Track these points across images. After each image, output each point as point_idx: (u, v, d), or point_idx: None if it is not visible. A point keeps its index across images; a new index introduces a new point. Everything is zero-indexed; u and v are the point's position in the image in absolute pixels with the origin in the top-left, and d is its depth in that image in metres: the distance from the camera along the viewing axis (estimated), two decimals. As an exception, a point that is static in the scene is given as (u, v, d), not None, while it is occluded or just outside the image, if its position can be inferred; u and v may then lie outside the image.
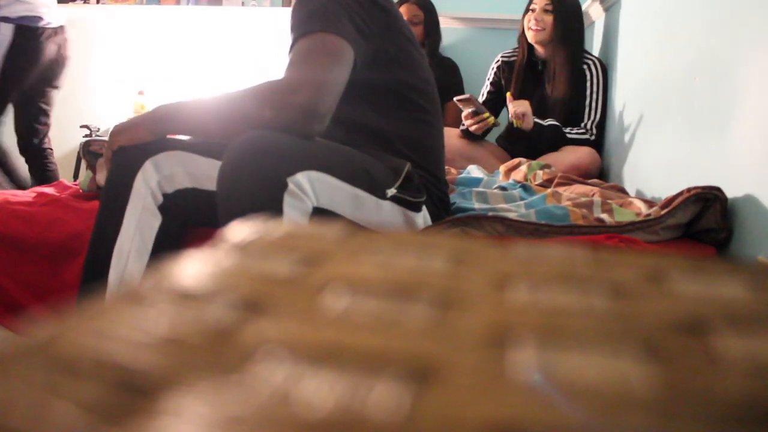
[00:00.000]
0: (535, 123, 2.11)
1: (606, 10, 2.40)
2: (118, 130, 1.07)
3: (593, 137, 2.16)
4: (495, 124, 2.17)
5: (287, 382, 0.17)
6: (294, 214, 0.91)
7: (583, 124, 2.20)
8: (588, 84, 2.19)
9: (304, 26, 1.04)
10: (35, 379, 0.17)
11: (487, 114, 2.14)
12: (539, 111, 2.22)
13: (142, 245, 1.04)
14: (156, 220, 1.05)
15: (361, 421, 0.15)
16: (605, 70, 2.21)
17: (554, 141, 2.13)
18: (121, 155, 1.05)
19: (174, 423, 0.15)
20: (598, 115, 2.19)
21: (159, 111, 1.05)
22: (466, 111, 2.14)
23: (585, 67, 2.21)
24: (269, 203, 0.88)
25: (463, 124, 2.24)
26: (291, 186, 0.90)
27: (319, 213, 0.97)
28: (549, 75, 2.25)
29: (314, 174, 0.94)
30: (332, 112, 1.02)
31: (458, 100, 2.13)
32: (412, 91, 1.20)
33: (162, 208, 1.06)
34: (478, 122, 2.14)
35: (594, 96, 2.19)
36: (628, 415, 0.16)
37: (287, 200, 0.90)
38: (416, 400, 0.16)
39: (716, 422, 0.16)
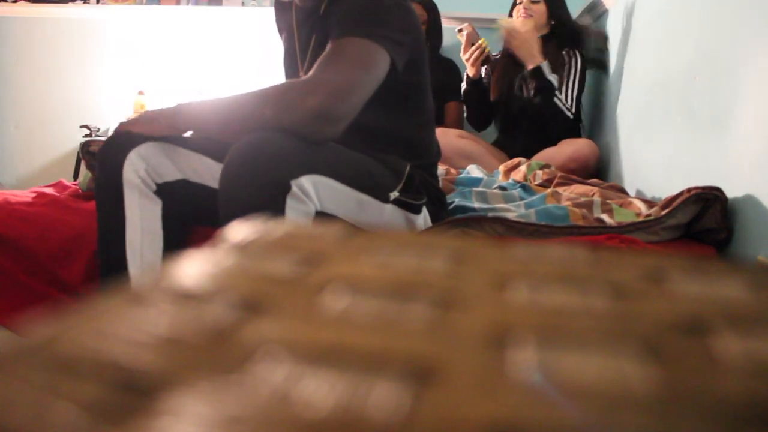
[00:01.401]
0: (539, 68, 2.11)
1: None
2: (143, 119, 1.06)
3: (572, 116, 2.19)
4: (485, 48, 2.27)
5: (287, 382, 0.17)
6: (296, 216, 0.90)
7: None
8: (566, 68, 2.21)
9: (347, 27, 1.04)
10: (35, 379, 0.17)
11: (481, 40, 2.25)
12: (523, 99, 2.25)
13: (152, 232, 1.04)
14: (156, 205, 1.05)
15: (361, 421, 0.15)
16: (584, 58, 2.24)
17: (539, 92, 2.14)
18: (104, 151, 1.05)
19: (174, 423, 0.15)
20: (573, 95, 2.20)
21: (180, 107, 1.05)
22: (462, 35, 2.25)
23: (565, 54, 2.23)
24: (272, 205, 0.88)
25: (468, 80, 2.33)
26: (294, 189, 0.89)
27: (322, 216, 0.96)
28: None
29: (318, 178, 0.94)
30: (349, 119, 1.00)
31: (458, 30, 2.25)
32: (420, 92, 1.20)
33: (158, 194, 1.05)
34: (474, 54, 2.25)
35: (572, 78, 2.20)
36: (628, 415, 0.16)
37: (290, 203, 0.89)
38: (416, 400, 0.16)
39: (716, 422, 0.16)
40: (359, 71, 1.01)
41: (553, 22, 2.27)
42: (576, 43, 2.31)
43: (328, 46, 1.04)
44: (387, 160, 1.11)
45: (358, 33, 1.02)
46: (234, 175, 0.89)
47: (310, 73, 1.01)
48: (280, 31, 1.32)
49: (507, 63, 2.34)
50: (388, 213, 1.06)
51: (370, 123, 1.15)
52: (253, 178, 0.88)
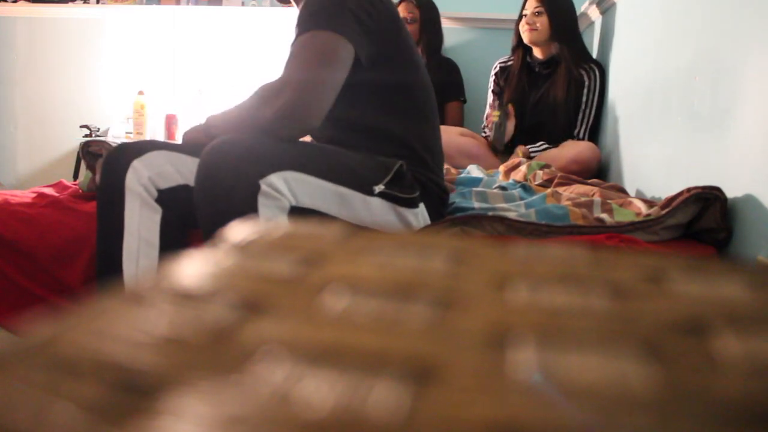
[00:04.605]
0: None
1: (603, 12, 2.41)
2: (195, 131, 1.18)
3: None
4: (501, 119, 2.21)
5: (287, 382, 0.17)
6: (270, 213, 0.92)
7: (575, 132, 2.24)
8: (585, 91, 2.22)
9: (304, 24, 1.05)
10: (35, 379, 0.17)
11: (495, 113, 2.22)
12: (537, 111, 2.25)
13: (149, 241, 1.05)
14: (156, 213, 1.06)
15: (361, 421, 0.15)
16: (603, 75, 2.23)
17: None
18: (108, 158, 1.06)
19: (174, 423, 0.15)
20: (589, 123, 2.25)
21: (208, 119, 1.14)
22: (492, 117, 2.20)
23: (584, 72, 2.22)
24: (244, 205, 0.90)
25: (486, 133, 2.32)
26: (264, 188, 0.91)
27: (304, 213, 0.97)
28: (556, 75, 2.27)
29: (289, 174, 0.95)
30: (323, 113, 1.02)
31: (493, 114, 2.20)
32: (411, 90, 1.20)
33: (159, 201, 1.06)
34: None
35: (589, 103, 2.23)
36: (628, 415, 0.16)
37: (262, 201, 0.91)
38: (416, 400, 0.16)
39: (716, 422, 0.16)
40: (323, 66, 1.02)
41: (556, 33, 2.25)
42: (590, 56, 2.31)
43: (292, 44, 1.05)
44: (375, 155, 1.11)
45: (317, 26, 1.03)
46: (205, 180, 0.92)
47: (282, 71, 1.04)
48: None
49: (521, 67, 2.35)
50: (376, 207, 1.06)
51: (356, 119, 1.16)
52: (223, 181, 0.90)
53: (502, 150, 2.21)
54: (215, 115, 1.12)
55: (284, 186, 0.94)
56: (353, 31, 1.05)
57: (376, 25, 1.10)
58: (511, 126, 2.18)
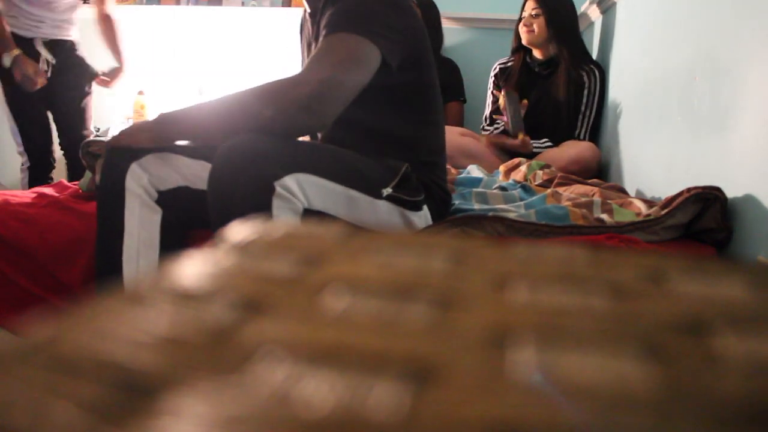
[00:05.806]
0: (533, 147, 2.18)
1: (603, 12, 2.41)
2: (128, 131, 1.06)
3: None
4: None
5: (287, 382, 0.17)
6: (284, 215, 0.91)
7: (576, 133, 2.24)
8: (585, 93, 2.22)
9: (333, 25, 1.04)
10: (35, 379, 0.17)
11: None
12: (537, 112, 2.25)
13: (149, 242, 1.05)
14: (156, 214, 1.06)
15: (361, 421, 0.15)
16: (603, 76, 2.23)
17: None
18: (108, 159, 1.06)
19: (174, 423, 0.15)
20: (590, 124, 2.25)
21: (161, 118, 1.05)
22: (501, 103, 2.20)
23: (584, 73, 2.22)
24: (259, 207, 0.89)
25: (489, 125, 2.31)
26: (279, 189, 0.90)
27: (314, 215, 0.97)
28: (556, 76, 2.28)
29: (302, 176, 0.95)
30: (337, 112, 1.01)
31: (505, 93, 2.20)
32: (427, 91, 1.20)
33: (159, 202, 1.06)
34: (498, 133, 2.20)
35: (589, 105, 2.23)
36: (628, 415, 0.16)
37: (276, 203, 0.91)
38: (416, 400, 0.16)
39: (716, 422, 0.16)
40: (347, 65, 1.01)
41: (554, 35, 2.25)
42: (590, 57, 2.31)
43: (319, 44, 1.05)
44: (382, 158, 1.11)
45: (347, 29, 1.03)
46: (219, 181, 0.91)
47: (303, 68, 1.03)
48: (301, 43, 1.35)
49: (521, 67, 2.36)
50: (383, 209, 1.06)
51: (366, 122, 1.15)
52: (237, 184, 0.89)
53: (518, 133, 2.21)
54: (171, 114, 1.05)
55: (297, 188, 0.93)
56: (384, 37, 1.04)
57: (406, 29, 1.09)
58: (522, 112, 2.19)
